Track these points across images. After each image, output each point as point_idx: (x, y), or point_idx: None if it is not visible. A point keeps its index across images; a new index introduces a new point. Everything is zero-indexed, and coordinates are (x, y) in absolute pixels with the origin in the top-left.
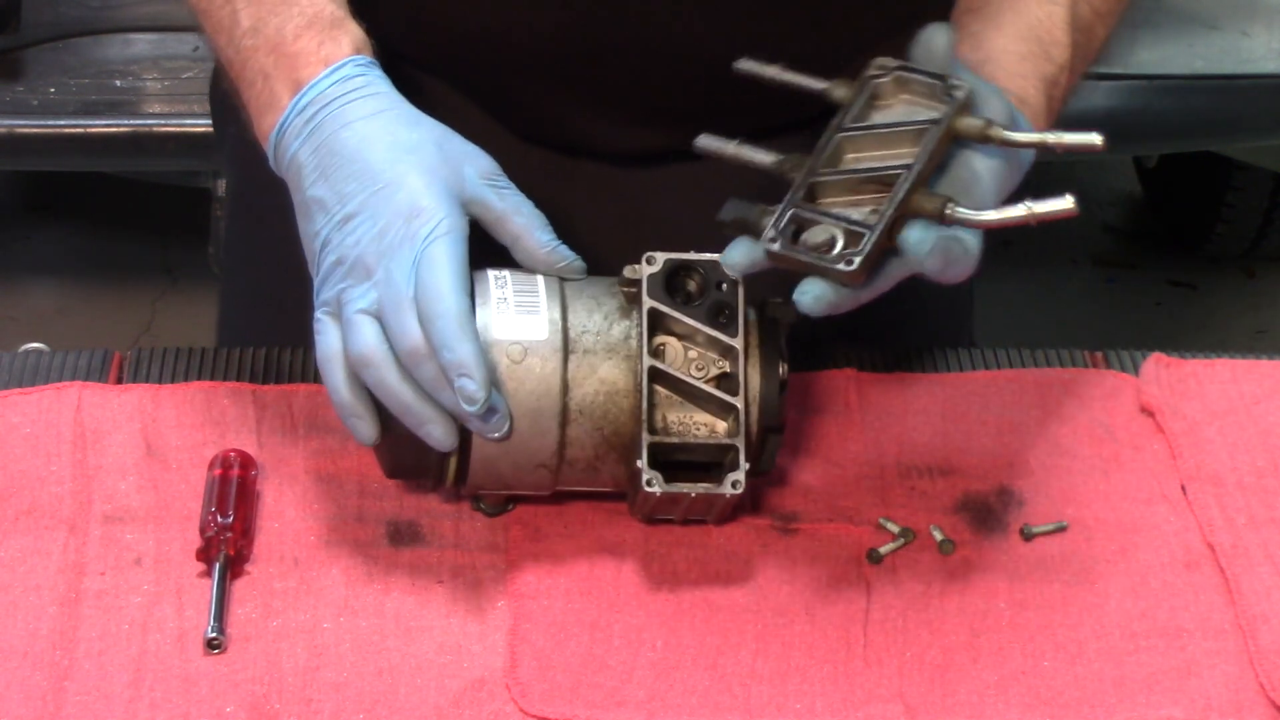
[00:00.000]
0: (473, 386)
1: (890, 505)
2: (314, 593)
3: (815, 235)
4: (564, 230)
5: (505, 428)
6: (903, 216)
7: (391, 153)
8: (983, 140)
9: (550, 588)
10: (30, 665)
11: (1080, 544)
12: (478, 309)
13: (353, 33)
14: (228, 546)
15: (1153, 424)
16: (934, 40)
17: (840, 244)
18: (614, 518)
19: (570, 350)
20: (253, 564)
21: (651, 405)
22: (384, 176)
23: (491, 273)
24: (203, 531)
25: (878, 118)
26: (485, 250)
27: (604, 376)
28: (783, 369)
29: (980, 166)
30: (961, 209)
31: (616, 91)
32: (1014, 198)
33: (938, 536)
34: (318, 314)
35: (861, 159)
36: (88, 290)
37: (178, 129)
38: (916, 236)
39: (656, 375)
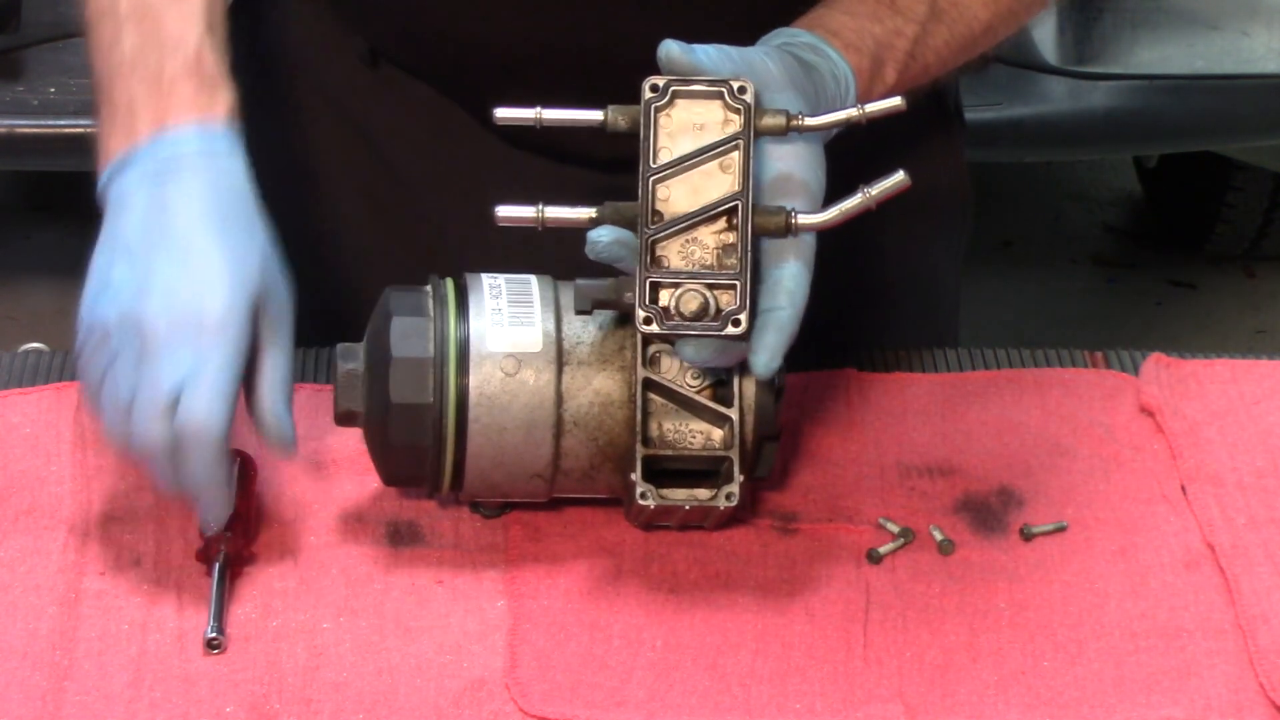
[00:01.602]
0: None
1: (890, 505)
2: (314, 593)
3: (687, 304)
4: (554, 235)
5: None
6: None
7: (220, 248)
8: (787, 133)
9: (550, 588)
10: (30, 665)
11: (1080, 544)
12: (472, 319)
13: (228, 96)
14: (228, 546)
15: (1153, 424)
16: (670, 55)
17: (713, 303)
18: (614, 518)
19: (564, 362)
20: (253, 564)
21: (646, 415)
22: (200, 268)
23: (486, 280)
24: (203, 531)
25: (670, 142)
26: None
27: (598, 388)
28: (778, 377)
29: (796, 162)
30: (804, 216)
31: (604, 99)
32: (849, 186)
33: (938, 536)
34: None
35: (677, 194)
36: None
37: None
38: (763, 363)
39: (651, 385)
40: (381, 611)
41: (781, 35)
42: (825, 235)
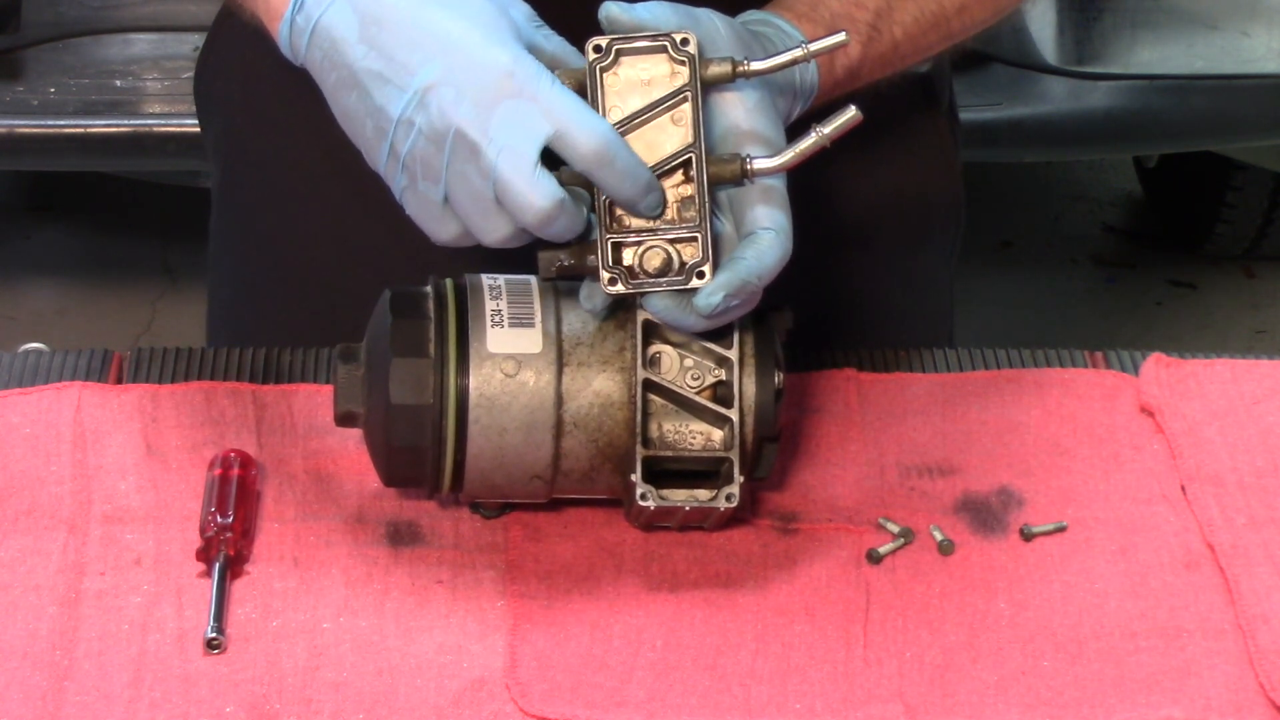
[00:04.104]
0: (658, 196)
1: (890, 505)
2: (314, 593)
3: (650, 261)
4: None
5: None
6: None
7: (445, 11)
8: (734, 79)
9: (550, 588)
10: (30, 665)
11: (1080, 544)
12: (471, 320)
13: None
14: (228, 546)
15: (1153, 424)
16: (610, 17)
17: (676, 258)
18: (614, 518)
19: (564, 363)
20: (253, 564)
21: (646, 416)
22: (450, 40)
23: (486, 280)
24: (203, 531)
25: (620, 100)
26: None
27: (598, 389)
28: (779, 378)
29: (748, 115)
30: (759, 160)
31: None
32: (802, 126)
33: (938, 536)
34: (424, 202)
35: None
36: (88, 290)
37: (178, 129)
38: (703, 296)
39: (651, 386)
40: (381, 611)
41: (738, 19)
42: (815, 239)
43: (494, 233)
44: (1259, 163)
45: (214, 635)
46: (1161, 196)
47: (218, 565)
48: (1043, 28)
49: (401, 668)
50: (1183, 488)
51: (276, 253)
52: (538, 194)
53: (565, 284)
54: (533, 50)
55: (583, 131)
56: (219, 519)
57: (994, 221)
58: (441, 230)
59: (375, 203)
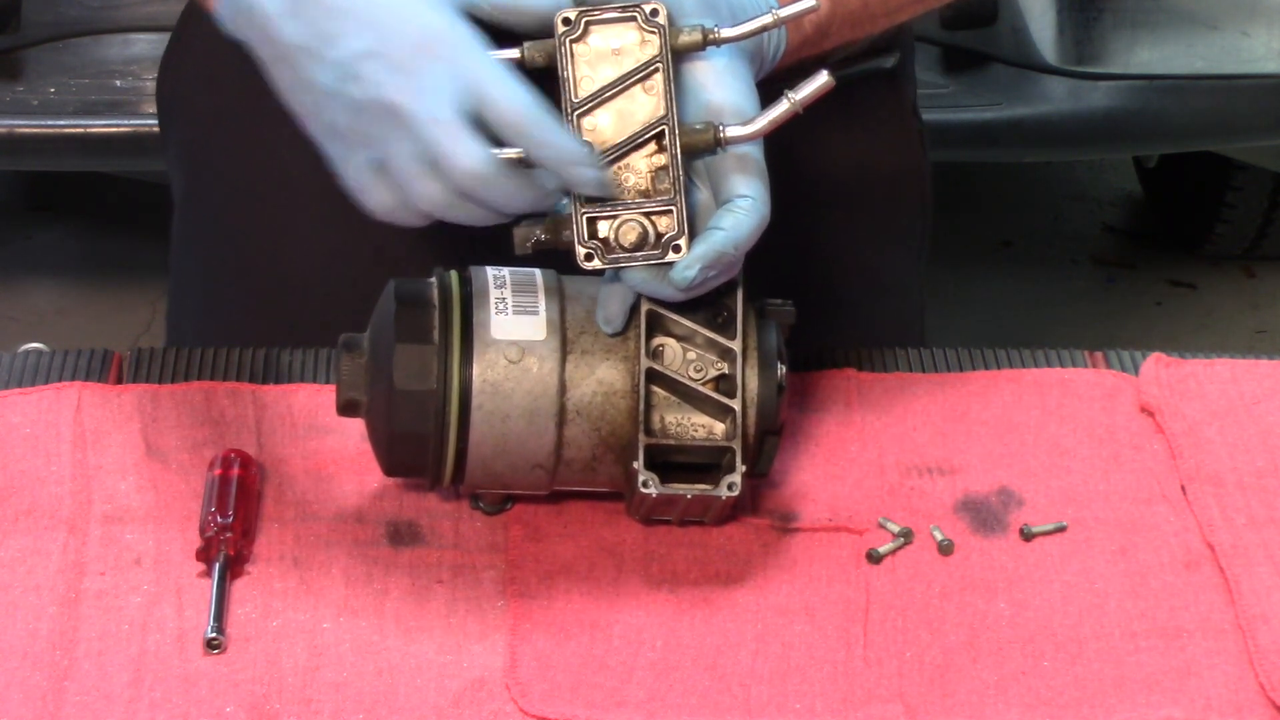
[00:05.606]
0: (592, 173)
1: (890, 505)
2: (314, 593)
3: (626, 235)
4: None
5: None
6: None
7: None
8: (705, 47)
9: (550, 588)
10: (30, 665)
11: (1080, 544)
12: (476, 308)
13: None
14: (228, 546)
15: (1153, 424)
16: None
17: (651, 231)
18: (614, 517)
19: (568, 351)
20: (253, 564)
21: (649, 407)
22: (375, 7)
23: (490, 271)
24: (203, 531)
25: (591, 71)
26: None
27: (602, 377)
28: (781, 371)
29: (722, 84)
30: (731, 129)
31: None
32: (774, 94)
33: (938, 536)
34: (361, 171)
35: (604, 123)
36: (88, 290)
37: None
38: (679, 269)
39: (654, 376)
40: (381, 611)
41: None
42: (775, 234)
43: (429, 198)
44: (1259, 163)
45: (214, 635)
46: (1161, 196)
47: (218, 565)
48: (1043, 28)
49: (401, 668)
50: (1183, 488)
51: (248, 255)
52: (465, 156)
53: (569, 274)
54: (472, 8)
55: (501, 100)
56: (219, 519)
57: (994, 221)
58: (377, 199)
59: (346, 202)
